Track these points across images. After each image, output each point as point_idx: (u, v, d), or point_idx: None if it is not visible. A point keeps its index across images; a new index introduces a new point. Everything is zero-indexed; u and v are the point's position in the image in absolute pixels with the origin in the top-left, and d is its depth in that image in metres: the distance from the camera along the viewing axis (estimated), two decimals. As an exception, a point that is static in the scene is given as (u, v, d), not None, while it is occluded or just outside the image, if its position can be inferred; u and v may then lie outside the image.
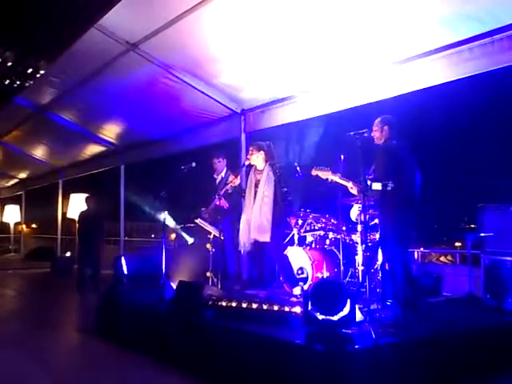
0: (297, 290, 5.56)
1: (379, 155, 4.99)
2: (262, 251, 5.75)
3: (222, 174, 6.85)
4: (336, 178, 5.35)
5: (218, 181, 6.86)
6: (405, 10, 4.90)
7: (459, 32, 4.98)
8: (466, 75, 5.16)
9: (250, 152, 5.84)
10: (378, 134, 5.07)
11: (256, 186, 5.77)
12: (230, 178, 6.27)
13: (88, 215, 9.50)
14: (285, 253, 6.09)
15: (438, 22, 4.91)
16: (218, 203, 6.28)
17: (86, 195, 10.27)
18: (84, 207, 9.69)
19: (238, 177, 6.32)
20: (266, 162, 5.77)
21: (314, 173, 5.46)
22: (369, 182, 4.69)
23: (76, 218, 10.21)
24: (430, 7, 4.78)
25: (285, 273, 5.81)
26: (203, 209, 6.66)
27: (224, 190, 6.20)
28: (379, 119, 5.11)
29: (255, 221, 5.59)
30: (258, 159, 5.80)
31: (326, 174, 5.38)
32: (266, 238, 5.53)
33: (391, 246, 4.75)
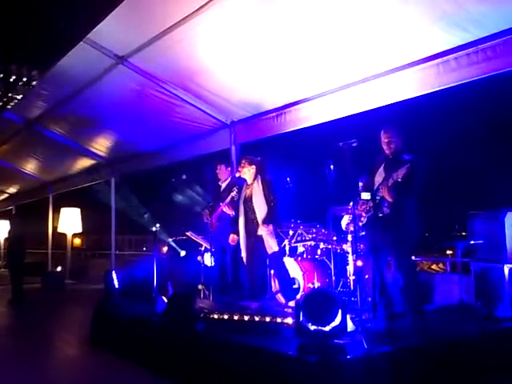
0: (293, 302, 5.53)
1: (410, 169, 4.48)
2: (257, 262, 5.75)
3: (226, 183, 6.70)
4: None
5: (222, 188, 6.74)
6: (389, 20, 4.95)
7: (445, 42, 5.04)
8: (453, 84, 5.20)
9: (242, 165, 5.82)
10: (396, 144, 4.81)
11: (245, 201, 5.76)
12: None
13: (13, 234, 10.03)
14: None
15: (424, 31, 4.97)
16: (223, 210, 6.20)
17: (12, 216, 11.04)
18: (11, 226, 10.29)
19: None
20: (256, 176, 5.76)
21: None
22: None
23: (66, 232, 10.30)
24: (414, 18, 4.83)
25: (282, 284, 5.78)
26: (206, 210, 6.55)
27: (230, 197, 6.12)
28: (391, 130, 4.85)
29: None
30: (248, 173, 5.79)
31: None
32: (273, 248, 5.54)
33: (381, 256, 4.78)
